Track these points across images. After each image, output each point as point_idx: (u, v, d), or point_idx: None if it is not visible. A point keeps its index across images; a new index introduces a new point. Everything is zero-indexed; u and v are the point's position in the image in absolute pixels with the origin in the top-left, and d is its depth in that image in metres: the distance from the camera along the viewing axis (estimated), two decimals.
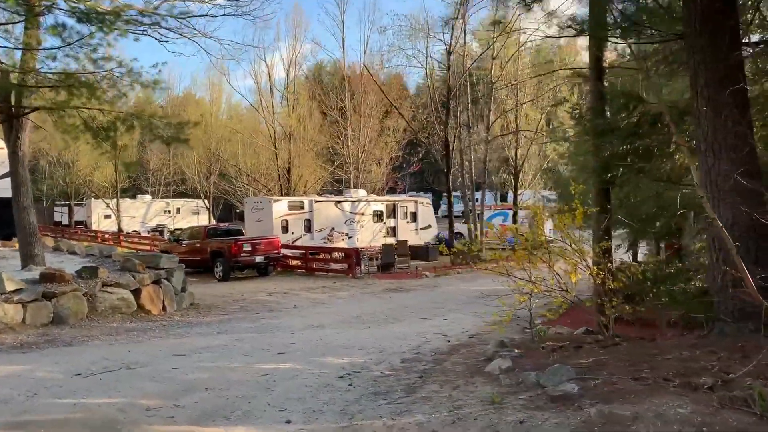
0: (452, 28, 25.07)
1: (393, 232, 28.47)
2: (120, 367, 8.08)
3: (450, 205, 25.63)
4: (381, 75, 38.50)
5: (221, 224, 31.07)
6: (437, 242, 29.24)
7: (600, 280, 8.44)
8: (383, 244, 25.00)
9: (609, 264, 8.88)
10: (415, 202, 29.98)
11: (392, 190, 37.88)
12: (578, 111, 10.37)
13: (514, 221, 28.49)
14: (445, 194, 53.36)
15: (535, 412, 5.13)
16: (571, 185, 8.71)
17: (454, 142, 24.99)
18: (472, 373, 7.35)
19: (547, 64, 27.97)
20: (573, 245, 8.44)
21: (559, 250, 8.99)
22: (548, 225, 32.21)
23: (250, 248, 22.19)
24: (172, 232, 37.71)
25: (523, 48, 28.70)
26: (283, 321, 13.01)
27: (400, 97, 37.90)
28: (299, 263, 24.61)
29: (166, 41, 13.84)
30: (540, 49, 34.93)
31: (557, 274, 8.66)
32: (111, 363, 8.28)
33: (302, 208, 26.46)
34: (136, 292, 12.99)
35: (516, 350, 8.14)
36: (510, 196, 47.79)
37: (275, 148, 36.12)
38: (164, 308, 13.57)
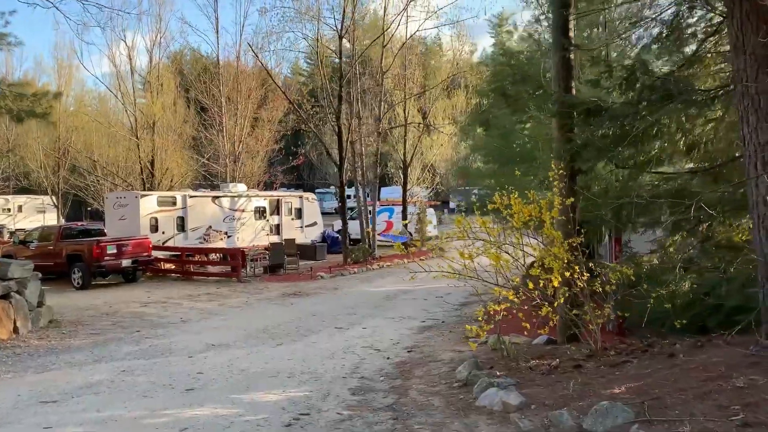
0: (343, 13, 23.29)
1: (277, 230, 26.26)
2: None
3: (343, 200, 23.85)
4: (249, 65, 35.83)
5: (78, 223, 27.09)
6: (323, 240, 27.49)
7: (581, 283, 7.21)
8: (272, 243, 22.78)
9: (590, 264, 7.68)
10: (301, 197, 27.92)
11: (269, 186, 35.48)
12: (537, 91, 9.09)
13: (404, 217, 27.38)
14: (318, 190, 51.89)
15: None
16: (550, 170, 7.36)
17: (348, 134, 23.25)
18: (462, 409, 5.78)
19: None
20: (559, 243, 7.08)
21: (537, 247, 7.65)
22: (432, 222, 31.33)
23: (115, 250, 19.08)
24: (12, 233, 32.76)
25: (412, 38, 27.68)
26: (174, 340, 10.67)
27: (272, 90, 35.56)
28: (173, 266, 21.76)
29: None
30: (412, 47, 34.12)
31: (538, 278, 7.29)
32: None
33: (174, 204, 23.52)
34: None
35: (498, 373, 6.68)
36: (384, 192, 47.10)
37: (137, 138, 32.46)
38: (16, 330, 10.69)
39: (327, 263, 23.45)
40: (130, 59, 33.46)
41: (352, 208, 29.46)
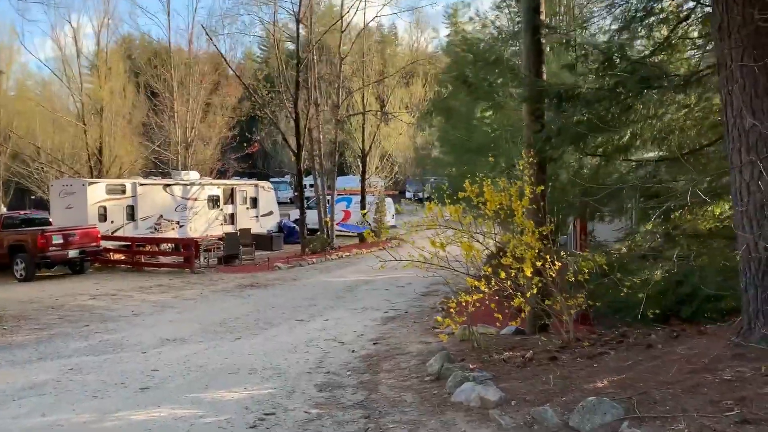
0: None
1: (231, 219, 25.58)
2: None
3: (300, 189, 23.35)
4: (202, 49, 34.84)
5: (21, 212, 25.82)
6: (280, 230, 26.96)
7: (553, 272, 7.02)
8: (226, 233, 22.11)
9: (563, 253, 7.52)
10: (256, 186, 27.24)
11: (222, 174, 34.61)
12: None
13: (362, 206, 27.04)
14: (272, 179, 51.05)
15: None
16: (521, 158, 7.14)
17: (306, 121, 22.70)
18: (437, 405, 5.51)
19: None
20: (530, 232, 6.87)
21: (505, 237, 7.44)
22: (390, 211, 31.04)
23: (61, 240, 18.19)
24: None
25: (368, 27, 27.25)
26: (126, 335, 10.12)
27: (225, 76, 34.71)
28: (123, 257, 20.92)
29: None
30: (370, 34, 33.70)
31: (510, 267, 7.06)
32: None
33: (124, 192, 22.64)
34: None
35: (471, 366, 6.44)
36: (340, 182, 46.73)
37: (84, 124, 31.18)
38: None
39: (284, 254, 22.94)
40: (76, 42, 32.13)
41: (308, 198, 28.97)
